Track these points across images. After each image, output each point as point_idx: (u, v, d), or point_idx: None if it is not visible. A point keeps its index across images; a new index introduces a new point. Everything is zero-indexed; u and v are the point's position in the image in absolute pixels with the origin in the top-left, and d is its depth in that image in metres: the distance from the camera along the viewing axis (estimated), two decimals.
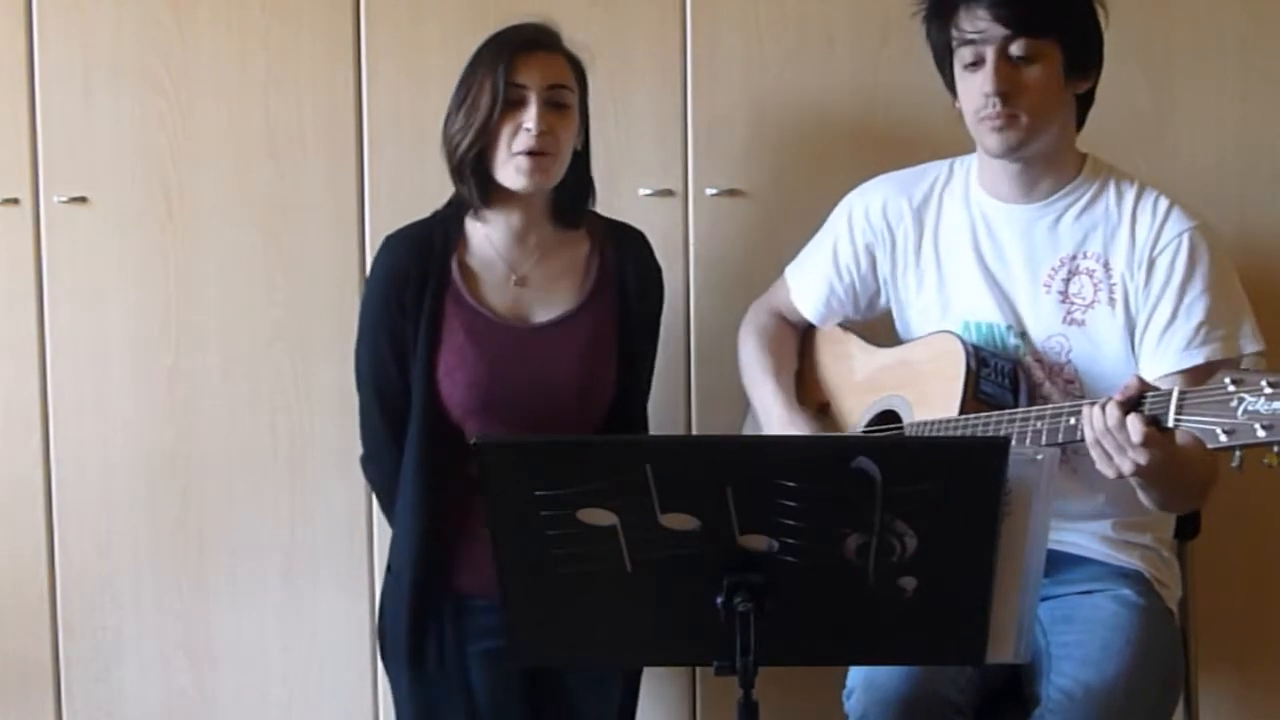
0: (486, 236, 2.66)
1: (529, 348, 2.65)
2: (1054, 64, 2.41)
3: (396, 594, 2.69)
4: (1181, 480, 2.29)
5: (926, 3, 2.49)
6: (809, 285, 2.74)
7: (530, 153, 2.55)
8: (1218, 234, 2.46)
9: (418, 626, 2.65)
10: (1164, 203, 2.46)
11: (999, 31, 2.38)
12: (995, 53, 2.39)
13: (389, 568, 2.74)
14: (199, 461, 3.07)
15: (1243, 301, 2.44)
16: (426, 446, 2.63)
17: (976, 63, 2.41)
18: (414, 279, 2.63)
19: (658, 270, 2.80)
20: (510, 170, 2.58)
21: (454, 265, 2.65)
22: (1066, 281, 2.48)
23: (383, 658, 2.77)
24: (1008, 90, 2.39)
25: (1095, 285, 2.46)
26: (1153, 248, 2.43)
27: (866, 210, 2.65)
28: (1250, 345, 2.41)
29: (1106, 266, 2.46)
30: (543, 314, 2.68)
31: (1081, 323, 2.47)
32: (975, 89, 2.42)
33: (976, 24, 2.39)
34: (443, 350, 2.63)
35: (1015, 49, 2.39)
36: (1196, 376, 2.36)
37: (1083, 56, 2.45)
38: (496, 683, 2.65)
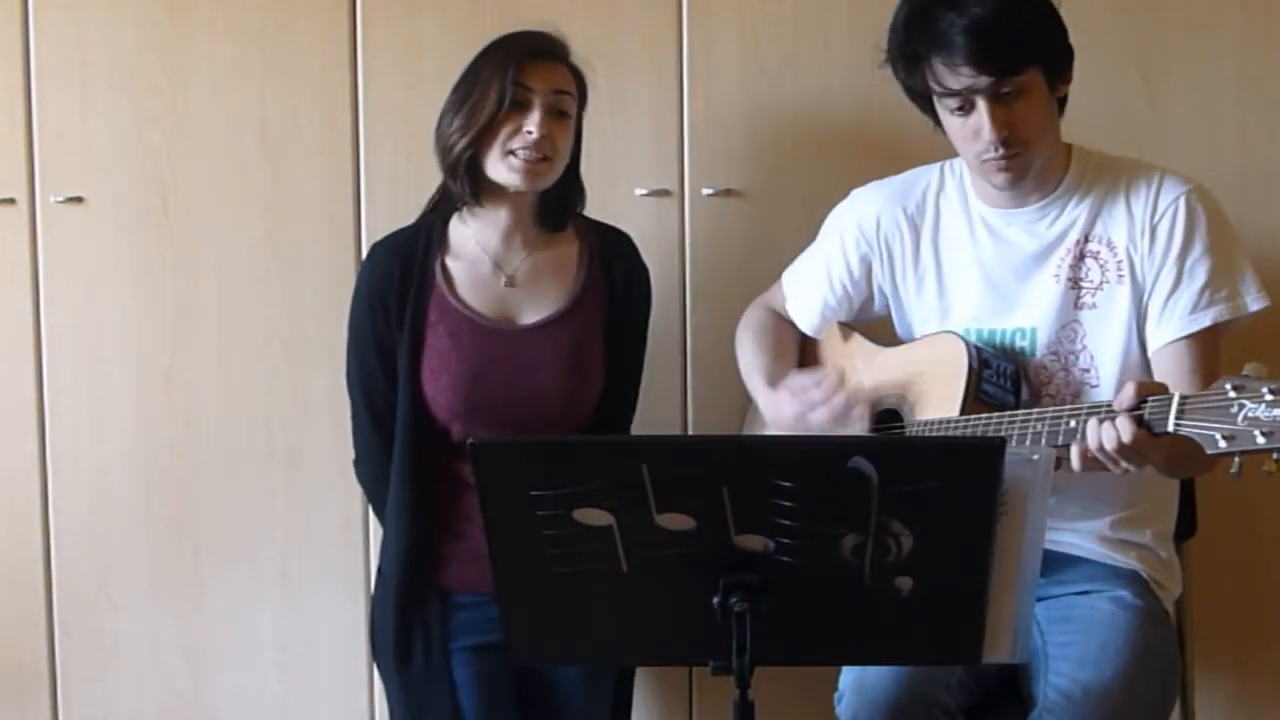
0: (473, 235, 2.67)
1: (514, 349, 2.65)
2: (1040, 87, 2.39)
3: (384, 595, 2.70)
4: (1182, 463, 2.30)
5: (895, 55, 2.44)
6: (803, 296, 2.74)
7: (529, 154, 2.56)
8: (1211, 195, 2.47)
9: (404, 626, 2.66)
10: (1155, 174, 2.47)
11: (984, 81, 2.34)
12: (986, 100, 2.36)
13: (379, 569, 2.76)
14: (195, 462, 3.07)
15: (1243, 258, 2.44)
16: (413, 449, 2.64)
17: (964, 108, 2.38)
18: (397, 283, 2.64)
19: (645, 272, 2.81)
20: (503, 168, 2.59)
21: (437, 267, 2.66)
22: (1074, 268, 2.48)
23: (375, 658, 2.79)
24: (1008, 133, 2.37)
25: (1102, 266, 2.46)
26: (1152, 215, 2.44)
27: (859, 221, 2.65)
28: (1255, 303, 2.41)
29: (1110, 245, 2.46)
30: (531, 315, 2.68)
31: (1093, 306, 2.47)
32: (970, 133, 2.40)
33: (960, 78, 2.35)
34: (426, 353, 2.63)
35: (1005, 89, 2.36)
36: (1204, 340, 2.39)
37: (1061, 64, 2.43)
38: (484, 679, 2.65)
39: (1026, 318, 2.50)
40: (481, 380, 2.63)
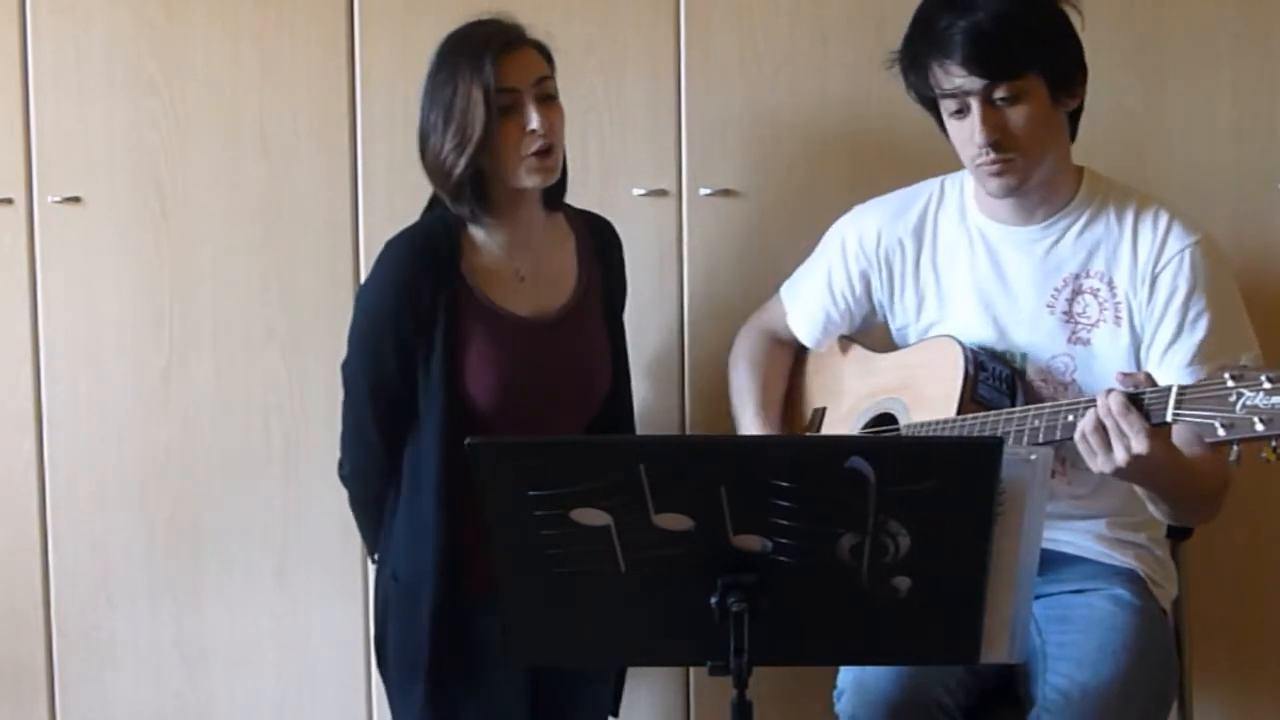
0: (490, 237, 2.64)
1: (547, 341, 2.63)
2: (1040, 96, 2.38)
3: (408, 605, 2.63)
4: (1182, 486, 2.29)
5: (902, 57, 2.45)
6: (805, 310, 2.73)
7: (539, 150, 2.53)
8: (1218, 246, 2.46)
9: (441, 637, 2.59)
10: (1164, 217, 2.45)
11: (977, 83, 2.35)
12: (979, 102, 2.36)
13: (393, 576, 2.67)
14: (193, 462, 3.07)
15: (1243, 317, 2.44)
16: (450, 454, 2.55)
17: (961, 110, 2.38)
18: (426, 287, 2.56)
19: (624, 256, 2.80)
20: (523, 173, 2.54)
21: (464, 268, 2.61)
22: (1070, 301, 2.47)
23: (380, 666, 2.72)
24: (999, 138, 2.37)
25: (1100, 304, 2.46)
26: (1155, 264, 2.43)
27: (860, 237, 2.64)
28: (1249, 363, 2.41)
29: (1111, 285, 2.45)
30: (550, 307, 2.66)
31: (1087, 342, 2.47)
32: (966, 137, 2.40)
33: (953, 79, 2.36)
34: (468, 355, 2.59)
35: (998, 94, 2.35)
36: None
37: (1067, 77, 2.42)
38: (508, 680, 2.63)
39: (1019, 343, 2.50)
40: (525, 375, 2.60)
